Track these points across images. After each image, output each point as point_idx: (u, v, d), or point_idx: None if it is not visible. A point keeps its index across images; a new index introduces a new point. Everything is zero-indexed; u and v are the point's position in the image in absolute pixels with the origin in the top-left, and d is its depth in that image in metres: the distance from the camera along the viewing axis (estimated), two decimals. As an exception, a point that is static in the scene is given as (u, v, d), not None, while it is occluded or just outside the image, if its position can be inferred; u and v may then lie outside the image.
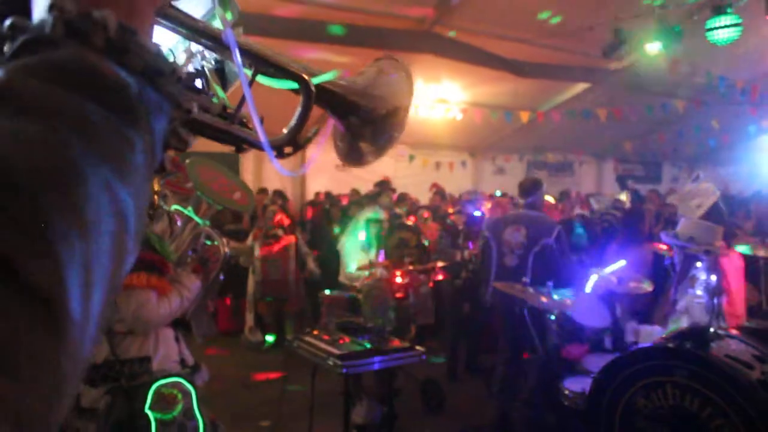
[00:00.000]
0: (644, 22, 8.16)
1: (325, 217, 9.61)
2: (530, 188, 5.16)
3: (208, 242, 2.69)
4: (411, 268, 6.62)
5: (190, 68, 0.77)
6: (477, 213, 7.40)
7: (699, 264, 3.73)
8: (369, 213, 6.81)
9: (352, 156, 0.87)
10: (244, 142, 0.74)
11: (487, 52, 9.47)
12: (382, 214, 6.87)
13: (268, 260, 7.50)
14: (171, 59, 0.56)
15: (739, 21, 7.48)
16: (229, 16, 0.71)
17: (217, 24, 0.72)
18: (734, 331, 3.52)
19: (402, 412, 4.89)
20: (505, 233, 5.00)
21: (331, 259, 7.68)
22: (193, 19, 0.70)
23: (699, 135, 13.68)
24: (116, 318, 2.39)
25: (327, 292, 6.27)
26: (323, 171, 12.88)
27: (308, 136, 0.78)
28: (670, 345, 3.27)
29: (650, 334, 4.05)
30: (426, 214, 8.16)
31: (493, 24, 9.11)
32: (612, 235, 6.71)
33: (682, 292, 3.97)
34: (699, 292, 3.70)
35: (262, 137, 0.71)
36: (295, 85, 0.77)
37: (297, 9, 8.06)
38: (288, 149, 0.77)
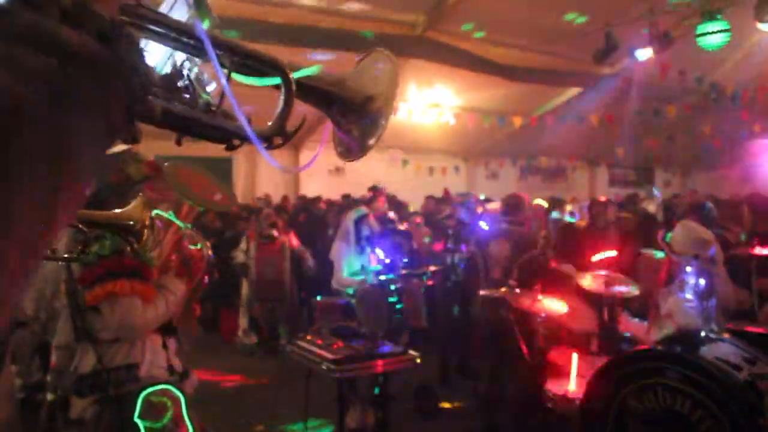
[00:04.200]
0: (635, 28, 8.23)
1: (319, 222, 9.60)
2: (513, 207, 5.50)
3: (192, 246, 2.67)
4: (404, 272, 6.63)
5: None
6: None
7: (689, 268, 3.75)
8: (353, 215, 6.79)
9: (349, 149, 0.89)
10: (232, 136, 0.75)
11: (479, 57, 9.52)
12: (364, 211, 6.85)
13: (264, 260, 7.51)
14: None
15: (728, 27, 7.56)
16: (206, 23, 0.72)
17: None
18: (725, 334, 3.56)
19: (395, 417, 4.89)
20: (491, 247, 5.25)
21: (324, 265, 7.67)
22: (165, 16, 0.71)
23: (691, 140, 13.76)
24: (101, 327, 2.37)
25: (320, 297, 6.28)
26: (316, 175, 12.90)
27: (297, 126, 0.80)
28: (661, 348, 3.30)
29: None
30: (418, 219, 8.16)
31: (486, 29, 9.17)
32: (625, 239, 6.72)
33: (664, 296, 4.00)
34: (689, 296, 3.73)
35: (248, 129, 0.72)
36: (273, 81, 0.78)
37: (289, 14, 8.08)
38: (277, 140, 0.77)
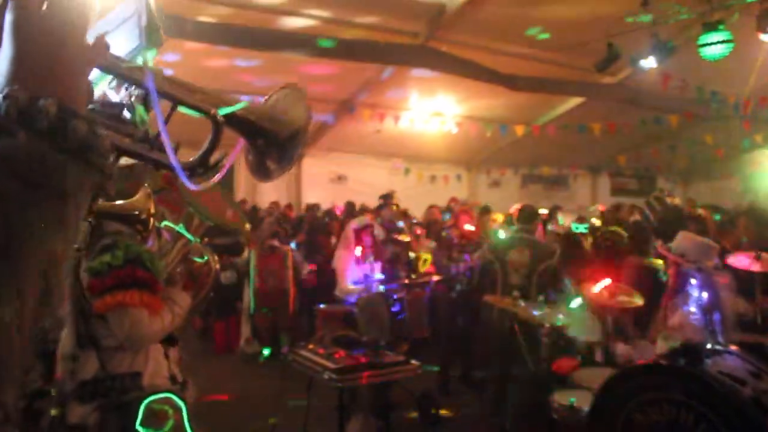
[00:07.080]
0: (637, 37, 8.24)
1: (321, 231, 9.60)
2: (530, 218, 5.80)
3: (199, 259, 2.66)
4: (406, 281, 6.63)
5: (118, 98, 0.88)
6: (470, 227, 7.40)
7: (693, 281, 3.74)
8: (356, 224, 6.79)
9: (260, 171, 0.99)
10: (162, 165, 0.86)
11: (481, 66, 9.54)
12: (367, 220, 6.87)
13: (265, 270, 7.51)
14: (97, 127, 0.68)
15: (731, 37, 7.57)
16: (153, 52, 0.83)
17: (140, 60, 0.84)
18: (732, 347, 3.53)
19: (397, 426, 4.88)
20: (511, 254, 5.41)
21: (326, 274, 7.67)
22: (119, 66, 0.81)
23: (692, 149, 13.77)
24: (106, 333, 2.37)
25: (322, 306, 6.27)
26: (318, 183, 12.92)
27: (218, 159, 0.91)
28: (665, 362, 3.29)
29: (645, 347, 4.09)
30: (419, 230, 8.16)
31: (488, 38, 9.19)
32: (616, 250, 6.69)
33: (672, 308, 3.99)
34: (693, 309, 3.72)
35: (174, 162, 0.84)
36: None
37: (295, 22, 8.13)
38: (199, 170, 0.90)
